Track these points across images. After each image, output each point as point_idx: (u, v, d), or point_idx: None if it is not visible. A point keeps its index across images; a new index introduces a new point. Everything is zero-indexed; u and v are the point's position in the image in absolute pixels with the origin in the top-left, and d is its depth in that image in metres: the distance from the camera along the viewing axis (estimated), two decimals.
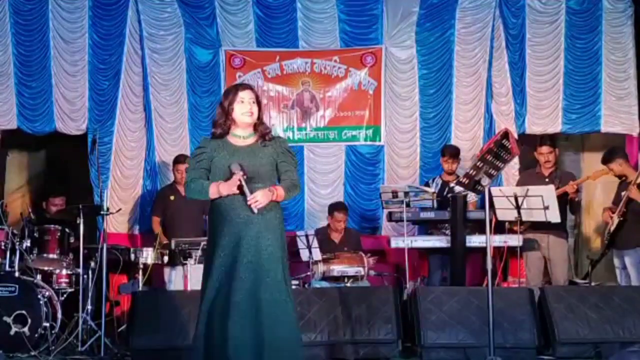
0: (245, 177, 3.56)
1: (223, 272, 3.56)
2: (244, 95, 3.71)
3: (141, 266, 5.95)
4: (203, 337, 3.55)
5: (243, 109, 3.70)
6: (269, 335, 3.47)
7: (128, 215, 7.42)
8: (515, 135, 6.53)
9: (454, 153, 6.74)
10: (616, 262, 6.16)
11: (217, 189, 3.61)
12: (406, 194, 6.10)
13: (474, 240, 5.96)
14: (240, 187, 3.57)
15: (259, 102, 3.77)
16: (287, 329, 3.54)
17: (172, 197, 6.75)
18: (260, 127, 3.76)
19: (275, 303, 3.53)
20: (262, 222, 3.61)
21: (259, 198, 3.55)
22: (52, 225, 5.78)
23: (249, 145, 3.73)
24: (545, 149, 6.31)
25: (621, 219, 5.86)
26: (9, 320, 5.21)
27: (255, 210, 3.56)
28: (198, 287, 6.04)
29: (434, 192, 6.33)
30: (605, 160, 6.07)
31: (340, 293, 5.17)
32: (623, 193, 5.90)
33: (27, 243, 5.57)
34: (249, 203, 3.55)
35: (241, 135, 3.75)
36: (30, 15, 7.41)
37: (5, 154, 7.91)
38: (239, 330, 3.45)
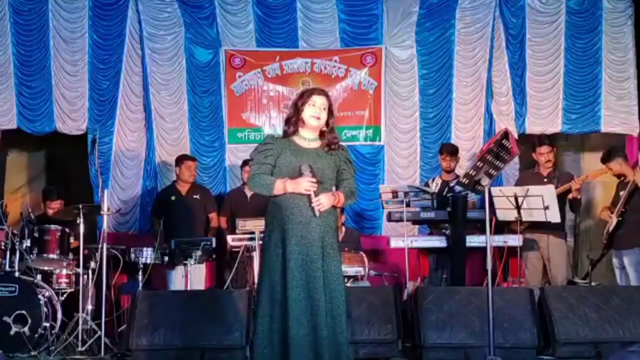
0: (315, 180, 3.62)
1: (282, 270, 3.61)
2: (317, 100, 3.77)
3: (141, 266, 5.95)
4: (264, 334, 3.61)
5: (312, 112, 3.75)
6: (327, 333, 3.55)
7: (128, 216, 7.42)
8: (515, 135, 6.54)
9: (451, 151, 6.74)
10: (615, 262, 6.16)
11: (284, 186, 3.66)
12: (406, 194, 6.09)
13: (474, 240, 5.94)
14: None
15: (331, 111, 3.82)
16: (342, 328, 3.62)
17: (173, 197, 6.76)
18: (328, 136, 3.82)
19: (335, 302, 3.62)
20: (324, 224, 3.67)
21: (323, 201, 3.62)
22: (52, 225, 5.78)
23: (314, 149, 3.79)
24: (545, 148, 6.31)
25: (620, 218, 5.86)
26: (9, 320, 5.21)
27: (317, 213, 3.62)
28: (198, 287, 6.17)
29: (434, 192, 6.33)
30: (605, 160, 6.07)
31: None
32: (622, 193, 5.90)
33: (27, 243, 5.57)
34: (313, 205, 3.61)
35: (307, 138, 3.81)
36: (30, 15, 7.42)
37: (5, 154, 7.91)
38: (298, 328, 3.52)
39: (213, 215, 6.86)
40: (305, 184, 3.61)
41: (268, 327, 3.61)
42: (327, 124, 3.80)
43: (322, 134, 3.83)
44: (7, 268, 5.50)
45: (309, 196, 3.62)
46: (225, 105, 7.51)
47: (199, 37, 7.51)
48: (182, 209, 6.65)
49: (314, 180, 3.62)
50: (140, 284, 5.88)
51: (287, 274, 3.58)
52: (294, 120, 3.79)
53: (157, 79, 7.47)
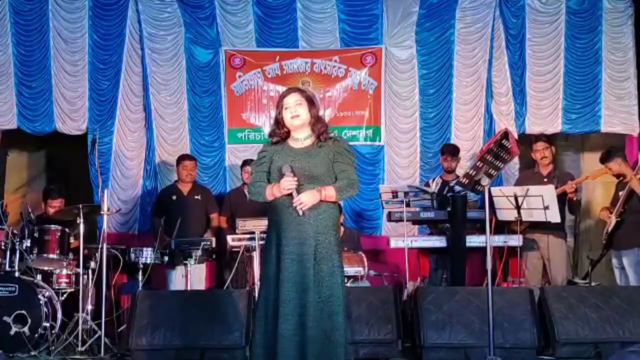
0: (295, 178, 3.60)
1: (277, 270, 3.62)
2: (289, 101, 3.77)
3: (141, 266, 5.95)
4: (261, 334, 3.63)
5: (289, 114, 3.75)
6: (315, 333, 3.54)
7: (128, 216, 7.43)
8: (515, 135, 6.54)
9: (452, 151, 6.75)
10: (614, 262, 6.16)
11: (272, 191, 3.69)
12: (406, 194, 6.09)
13: (474, 240, 5.95)
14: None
15: (311, 102, 3.79)
16: (338, 327, 3.61)
17: (174, 197, 6.77)
18: (315, 127, 3.79)
19: (330, 301, 3.60)
20: (318, 224, 3.65)
21: (303, 200, 3.60)
22: (52, 225, 5.77)
23: (305, 147, 3.78)
24: (540, 144, 6.32)
25: (619, 219, 5.86)
26: (9, 320, 5.22)
27: (301, 212, 3.60)
28: (198, 287, 6.17)
29: (433, 192, 6.33)
30: (604, 160, 6.06)
31: None
32: (621, 193, 5.90)
33: (27, 243, 5.57)
34: (294, 205, 3.60)
35: (299, 138, 3.81)
36: (30, 15, 7.42)
37: (5, 154, 7.91)
38: (286, 327, 3.52)
39: (214, 216, 6.87)
40: (284, 184, 3.62)
41: (264, 328, 3.63)
42: (311, 115, 3.78)
43: (312, 128, 3.80)
44: (7, 268, 5.50)
45: (291, 196, 3.62)
46: (225, 105, 7.51)
47: (199, 37, 7.51)
48: (182, 209, 6.65)
49: (294, 179, 3.61)
50: (140, 284, 5.87)
51: (280, 274, 3.59)
52: (277, 130, 3.81)
53: (157, 79, 7.47)
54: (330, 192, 3.67)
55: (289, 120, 3.76)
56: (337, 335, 3.61)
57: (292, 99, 3.77)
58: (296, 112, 3.74)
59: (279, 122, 3.81)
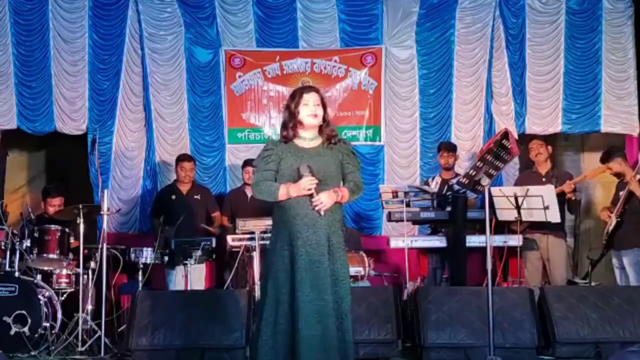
0: (315, 180, 3.60)
1: (289, 272, 3.60)
2: (309, 98, 3.75)
3: (141, 266, 5.95)
4: (269, 335, 3.59)
5: (308, 111, 3.74)
6: (335, 333, 3.55)
7: (128, 216, 7.42)
8: (515, 135, 6.54)
9: (449, 147, 6.76)
10: (615, 262, 6.16)
11: (287, 191, 3.65)
12: (406, 194, 6.10)
13: (474, 240, 5.95)
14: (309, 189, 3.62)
15: (324, 105, 3.80)
16: (348, 327, 3.62)
17: (173, 197, 6.76)
18: (326, 130, 3.79)
19: (341, 302, 3.61)
20: (329, 225, 3.66)
21: (323, 200, 3.61)
22: (52, 225, 5.77)
23: (314, 148, 3.78)
24: (534, 142, 6.35)
25: (619, 219, 5.86)
26: (9, 320, 5.21)
27: (322, 212, 3.61)
28: (198, 287, 6.17)
29: (434, 192, 6.33)
30: (604, 160, 6.07)
31: None
32: (621, 193, 5.91)
33: (27, 243, 5.57)
34: (314, 205, 3.60)
35: (307, 138, 3.79)
36: (30, 15, 7.42)
37: (5, 154, 7.91)
38: (307, 329, 3.51)
39: (216, 215, 6.87)
40: (305, 184, 3.61)
41: (272, 329, 3.60)
42: (323, 118, 3.78)
43: (320, 130, 3.81)
44: (7, 268, 5.50)
45: (311, 196, 3.62)
46: (225, 105, 7.51)
47: (199, 37, 7.51)
48: (182, 209, 6.65)
49: (314, 179, 3.61)
50: (140, 284, 5.87)
51: (295, 275, 3.57)
52: (291, 125, 3.77)
53: (157, 79, 7.47)
54: (345, 194, 3.71)
55: (305, 118, 3.74)
56: (348, 335, 3.63)
57: (313, 98, 3.76)
58: (315, 111, 3.74)
59: (294, 116, 3.76)
